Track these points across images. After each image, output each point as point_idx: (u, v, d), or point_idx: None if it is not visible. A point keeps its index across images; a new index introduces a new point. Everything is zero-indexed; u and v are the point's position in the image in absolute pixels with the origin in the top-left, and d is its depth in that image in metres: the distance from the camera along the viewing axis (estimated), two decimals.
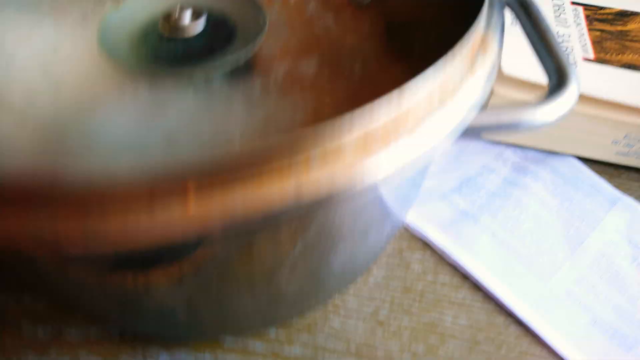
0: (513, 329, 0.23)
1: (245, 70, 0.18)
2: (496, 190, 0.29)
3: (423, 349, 0.22)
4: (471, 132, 0.16)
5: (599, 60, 0.28)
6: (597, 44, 0.29)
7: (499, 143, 0.31)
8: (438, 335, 0.23)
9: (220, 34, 0.19)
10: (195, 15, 0.19)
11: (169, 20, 0.19)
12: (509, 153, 0.31)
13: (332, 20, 0.19)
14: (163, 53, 0.18)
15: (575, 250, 0.26)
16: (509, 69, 0.27)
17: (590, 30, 0.30)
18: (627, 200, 0.28)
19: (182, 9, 0.19)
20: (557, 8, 0.32)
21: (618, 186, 0.29)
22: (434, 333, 0.23)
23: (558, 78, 0.19)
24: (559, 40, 0.27)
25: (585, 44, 0.29)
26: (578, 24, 0.31)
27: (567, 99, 0.18)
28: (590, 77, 0.28)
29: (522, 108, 0.17)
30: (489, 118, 0.17)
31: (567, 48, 0.29)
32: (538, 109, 0.17)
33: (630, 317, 0.24)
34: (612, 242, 0.26)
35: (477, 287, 0.25)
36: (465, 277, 0.25)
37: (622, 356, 0.22)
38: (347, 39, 0.19)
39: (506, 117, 0.17)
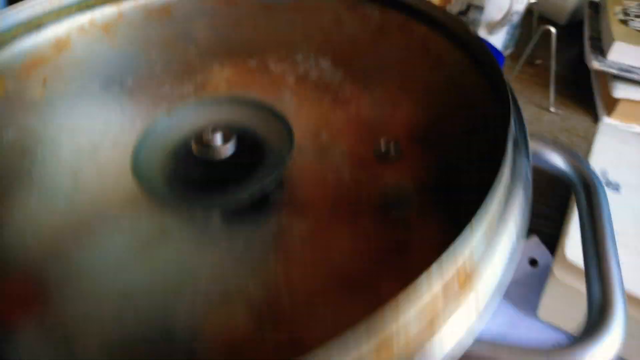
0: None
1: (269, 208, 0.18)
2: None
3: None
4: None
5: None
6: None
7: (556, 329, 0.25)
8: None
9: (248, 159, 0.20)
10: (226, 138, 0.20)
11: (201, 141, 0.20)
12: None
13: (356, 170, 0.19)
14: (194, 174, 0.19)
15: None
16: (572, 254, 0.23)
17: None
18: None
19: (214, 131, 0.20)
20: None
21: None
22: None
23: (600, 310, 0.15)
24: None
25: None
26: None
27: (605, 345, 0.14)
28: None
29: (548, 353, 0.14)
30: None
31: None
32: (566, 355, 0.14)
33: None
34: None
35: None
36: None
37: None
38: (368, 187, 0.18)
39: None
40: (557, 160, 0.20)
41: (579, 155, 0.20)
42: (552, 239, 0.29)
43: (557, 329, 0.26)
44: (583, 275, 0.23)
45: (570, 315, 0.26)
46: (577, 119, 0.42)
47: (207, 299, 0.15)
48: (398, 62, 0.24)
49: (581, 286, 0.23)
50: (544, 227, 0.33)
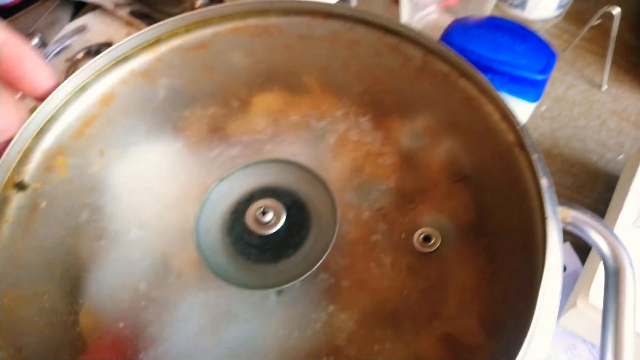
0: None
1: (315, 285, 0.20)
2: None
3: None
4: None
5: None
6: None
7: (574, 334, 0.28)
8: None
9: (294, 237, 0.21)
10: (277, 215, 0.21)
11: (255, 215, 0.21)
12: (583, 348, 0.27)
13: (392, 257, 0.20)
14: (250, 244, 0.21)
15: None
16: (596, 300, 0.24)
17: None
18: None
19: (265, 213, 0.21)
20: None
21: None
22: None
23: None
24: None
25: None
26: None
27: None
28: None
29: None
30: None
31: None
32: None
33: None
34: None
35: None
36: None
37: None
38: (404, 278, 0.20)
39: None
40: (592, 233, 0.20)
41: (614, 234, 0.20)
42: (583, 244, 0.30)
43: (574, 334, 0.28)
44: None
45: (589, 332, 0.28)
46: (631, 100, 0.39)
47: None
48: (438, 102, 0.23)
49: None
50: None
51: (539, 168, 0.19)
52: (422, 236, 0.20)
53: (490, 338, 0.19)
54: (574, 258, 0.32)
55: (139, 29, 0.32)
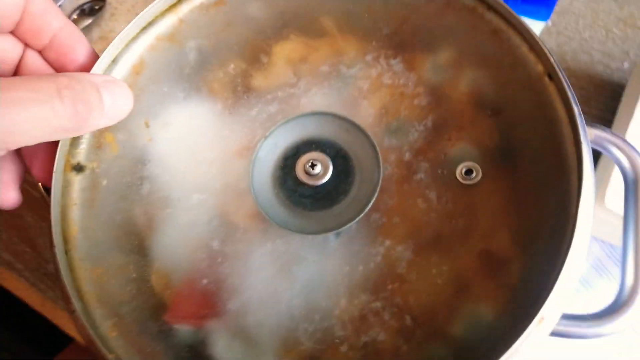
0: None
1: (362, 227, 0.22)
2: None
3: None
4: None
5: None
6: None
7: None
8: None
9: (342, 184, 0.23)
10: (324, 168, 0.23)
11: (304, 169, 0.23)
12: (596, 247, 0.31)
13: (436, 192, 0.22)
14: (303, 195, 0.23)
15: None
16: (611, 204, 0.27)
17: None
18: None
19: (314, 164, 0.22)
20: None
21: None
22: None
23: (629, 293, 0.20)
24: None
25: None
26: None
27: (625, 319, 0.19)
28: None
29: (583, 323, 0.19)
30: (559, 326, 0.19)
31: None
32: (594, 326, 0.19)
33: None
34: None
35: None
36: None
37: None
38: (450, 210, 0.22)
39: (569, 329, 0.19)
40: (613, 149, 0.22)
41: (634, 148, 0.22)
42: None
43: None
44: (617, 219, 0.27)
45: (604, 233, 0.31)
46: (637, 4, 0.40)
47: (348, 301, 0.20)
48: (466, 36, 0.24)
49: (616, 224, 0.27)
50: None
51: (571, 96, 0.20)
52: (464, 170, 0.21)
53: (523, 251, 0.21)
54: None
55: None
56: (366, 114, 0.24)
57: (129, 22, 0.24)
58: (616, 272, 0.30)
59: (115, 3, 0.40)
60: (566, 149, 0.20)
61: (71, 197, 0.22)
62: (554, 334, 0.19)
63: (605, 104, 0.37)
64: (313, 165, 0.23)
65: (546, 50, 0.21)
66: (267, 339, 0.20)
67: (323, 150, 0.23)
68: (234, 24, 0.25)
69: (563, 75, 0.21)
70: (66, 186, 0.22)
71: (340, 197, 0.23)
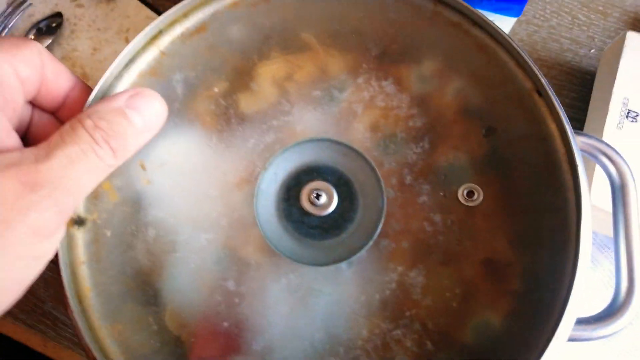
0: None
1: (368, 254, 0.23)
2: None
3: None
4: None
5: None
6: None
7: None
8: None
9: (348, 212, 0.23)
10: (329, 197, 0.23)
11: (309, 199, 0.23)
12: None
13: (440, 215, 0.22)
14: (309, 225, 0.23)
15: None
16: (597, 201, 0.29)
17: None
18: None
19: (318, 195, 0.23)
20: None
21: None
22: None
23: (625, 293, 0.22)
24: None
25: None
26: None
27: (625, 319, 0.21)
28: None
29: (586, 326, 0.21)
30: None
31: None
32: (596, 328, 0.21)
33: None
34: None
35: None
36: None
37: None
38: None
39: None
40: (599, 155, 0.24)
41: (619, 154, 0.23)
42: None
43: None
44: (602, 213, 0.29)
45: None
46: None
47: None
48: (452, 51, 0.24)
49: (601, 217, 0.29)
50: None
51: (561, 113, 0.21)
52: (465, 192, 0.22)
53: (521, 257, 0.22)
54: None
55: None
56: (363, 138, 0.24)
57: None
58: (605, 262, 0.33)
59: (74, 19, 0.37)
60: (560, 164, 0.22)
61: (77, 255, 0.21)
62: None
63: (577, 92, 0.39)
64: (318, 196, 0.23)
65: (534, 68, 0.22)
66: None
67: (325, 178, 0.24)
68: (217, 50, 0.25)
69: (551, 91, 0.22)
70: (70, 242, 0.21)
71: (346, 224, 0.23)
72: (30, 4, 0.37)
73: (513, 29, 0.39)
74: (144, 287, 0.21)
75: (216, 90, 0.24)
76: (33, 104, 0.21)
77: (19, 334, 0.30)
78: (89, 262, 0.21)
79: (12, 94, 0.18)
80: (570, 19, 0.40)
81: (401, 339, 0.20)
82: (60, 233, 0.18)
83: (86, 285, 0.21)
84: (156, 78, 0.24)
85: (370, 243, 0.22)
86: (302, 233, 0.23)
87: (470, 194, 0.22)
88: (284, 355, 0.20)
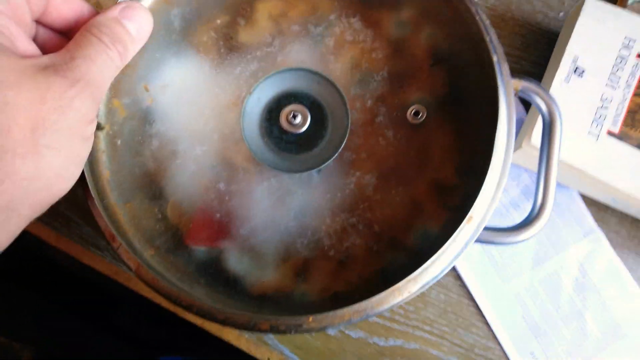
0: (472, 309, 0.37)
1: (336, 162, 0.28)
2: (498, 207, 0.38)
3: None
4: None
5: (621, 135, 0.33)
6: (631, 114, 0.34)
7: (519, 166, 0.38)
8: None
9: (319, 130, 0.28)
10: (304, 117, 0.28)
11: (287, 119, 0.28)
12: (525, 176, 0.39)
13: (392, 131, 0.27)
14: (287, 141, 0.28)
15: (536, 267, 0.37)
16: (536, 142, 0.33)
17: (635, 95, 0.34)
18: (599, 234, 0.37)
19: (295, 115, 0.27)
20: (619, 61, 0.35)
21: (599, 219, 0.38)
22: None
23: (538, 210, 0.27)
24: (600, 104, 0.33)
25: (620, 113, 0.34)
26: (628, 86, 0.34)
27: (534, 229, 0.27)
28: (601, 154, 0.33)
29: (504, 234, 0.27)
30: (486, 236, 0.26)
31: (600, 116, 0.33)
32: (511, 235, 0.27)
33: (550, 318, 0.36)
34: (567, 266, 0.37)
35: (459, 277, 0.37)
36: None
37: (531, 339, 0.36)
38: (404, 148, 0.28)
39: (494, 238, 0.27)
40: (535, 97, 0.28)
41: (550, 96, 0.28)
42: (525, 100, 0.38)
43: (519, 166, 0.39)
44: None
45: (531, 164, 0.38)
46: None
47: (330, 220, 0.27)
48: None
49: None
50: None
51: (491, 46, 0.26)
52: (412, 112, 0.27)
53: (464, 180, 0.27)
54: (520, 109, 0.41)
55: None
56: (334, 68, 0.28)
57: None
58: None
59: None
60: (496, 96, 0.26)
61: (98, 147, 0.26)
62: (480, 241, 0.26)
63: (542, 52, 0.43)
64: (294, 116, 0.27)
65: (478, 15, 0.26)
66: (271, 252, 0.26)
67: (301, 102, 0.28)
68: None
69: (487, 29, 0.26)
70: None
71: (318, 141, 0.28)
72: None
73: None
74: (152, 186, 0.26)
75: (218, 22, 0.28)
76: (42, 23, 0.23)
77: (36, 229, 0.35)
78: (105, 153, 0.26)
79: (21, 11, 0.21)
80: None
81: (355, 224, 0.26)
82: (94, 123, 0.22)
83: (106, 169, 0.26)
84: (156, 12, 0.27)
85: (336, 155, 0.27)
86: (281, 148, 0.28)
87: (416, 113, 0.27)
88: (263, 237, 0.26)
